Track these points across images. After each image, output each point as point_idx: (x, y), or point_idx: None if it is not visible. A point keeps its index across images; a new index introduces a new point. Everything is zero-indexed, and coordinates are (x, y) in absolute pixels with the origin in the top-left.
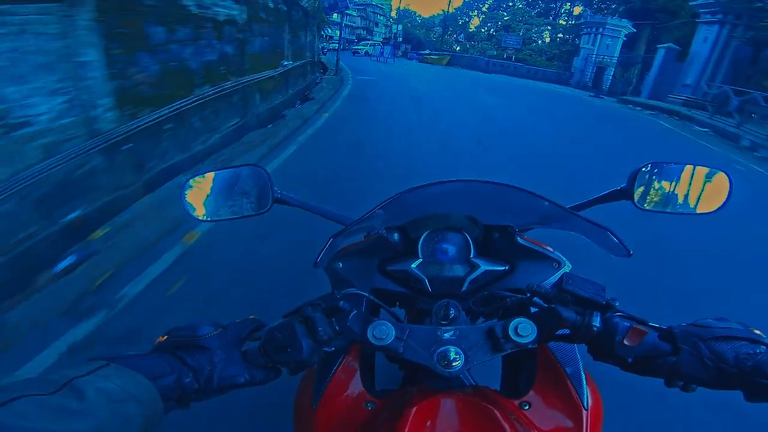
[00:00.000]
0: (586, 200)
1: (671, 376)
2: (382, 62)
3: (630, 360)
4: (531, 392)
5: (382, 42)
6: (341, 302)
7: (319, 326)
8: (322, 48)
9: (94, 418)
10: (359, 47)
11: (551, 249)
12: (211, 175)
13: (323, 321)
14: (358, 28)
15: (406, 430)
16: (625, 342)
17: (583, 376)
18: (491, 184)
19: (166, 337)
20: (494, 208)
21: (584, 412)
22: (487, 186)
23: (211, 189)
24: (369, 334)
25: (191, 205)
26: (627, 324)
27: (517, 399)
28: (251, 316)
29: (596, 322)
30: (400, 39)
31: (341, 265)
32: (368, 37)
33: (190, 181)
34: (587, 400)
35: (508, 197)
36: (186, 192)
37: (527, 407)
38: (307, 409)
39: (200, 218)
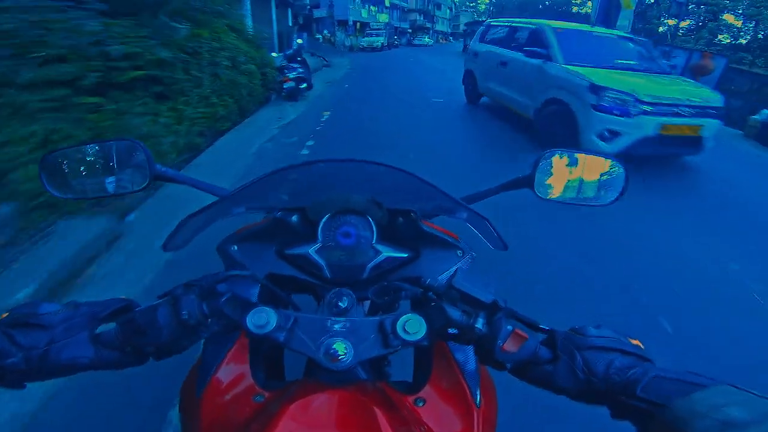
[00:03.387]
0: (488, 188)
1: (547, 386)
2: None
3: (509, 366)
4: (426, 388)
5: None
6: (219, 285)
7: (184, 309)
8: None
9: None
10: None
11: (457, 238)
12: (78, 148)
13: (192, 303)
14: (411, 10)
15: (278, 426)
16: (506, 347)
17: (479, 376)
18: (381, 167)
19: (6, 314)
20: (396, 192)
21: (476, 410)
22: (380, 169)
23: (79, 164)
24: (247, 321)
25: (52, 180)
26: (509, 328)
27: (414, 395)
28: (122, 297)
29: (479, 324)
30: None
31: (236, 248)
32: (427, 24)
33: (51, 154)
34: (480, 399)
35: (405, 182)
36: (46, 166)
37: (422, 404)
38: (191, 398)
39: (61, 195)
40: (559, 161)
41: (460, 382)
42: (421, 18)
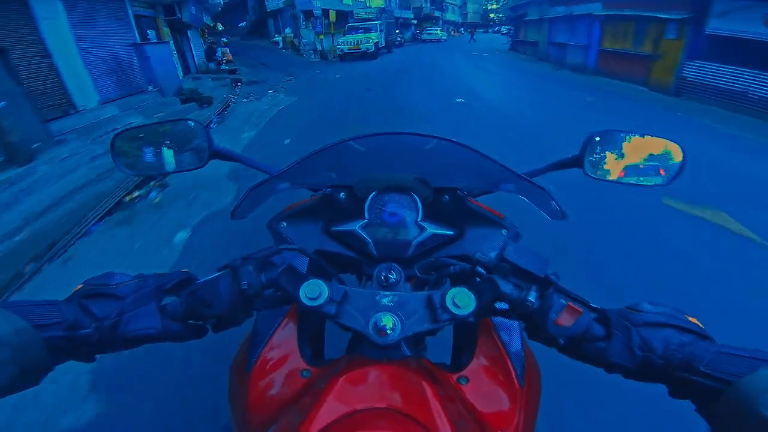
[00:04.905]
0: (537, 168)
1: (600, 363)
2: None
3: (562, 341)
4: (470, 367)
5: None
6: (278, 256)
7: (244, 279)
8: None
9: None
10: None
11: (502, 215)
12: (144, 127)
13: (250, 274)
14: None
15: (328, 400)
16: (559, 321)
17: (524, 356)
18: (440, 140)
19: (81, 285)
20: (443, 167)
21: (520, 391)
22: (429, 142)
23: (145, 141)
24: (301, 293)
25: (122, 157)
26: (563, 302)
27: (457, 373)
28: (183, 270)
29: (532, 297)
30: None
31: (285, 224)
32: (436, 13)
33: (121, 133)
34: (525, 379)
35: (453, 157)
36: (116, 143)
37: (465, 382)
38: (241, 372)
39: (130, 171)
40: (609, 141)
41: (504, 362)
42: (428, 4)
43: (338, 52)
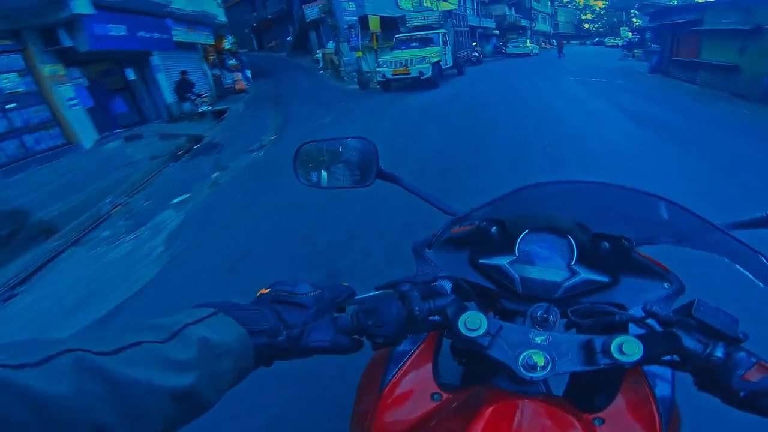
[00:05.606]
0: (728, 222)
1: None
2: None
3: (742, 394)
4: (610, 409)
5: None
6: (437, 284)
7: (416, 305)
8: None
9: (194, 373)
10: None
11: (668, 269)
12: (321, 142)
13: (419, 300)
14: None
15: (479, 427)
16: (746, 376)
17: (671, 406)
18: (619, 189)
19: (268, 289)
20: (611, 215)
21: None
22: (611, 189)
23: (321, 156)
24: (461, 323)
25: (301, 169)
26: (753, 360)
27: (591, 414)
28: (345, 284)
29: (719, 353)
30: None
31: (431, 251)
32: (523, 22)
33: (303, 146)
34: (666, 427)
35: (634, 204)
36: (298, 157)
37: (600, 423)
38: (373, 391)
39: (306, 183)
40: None
41: (650, 408)
42: (512, 12)
43: (379, 78)
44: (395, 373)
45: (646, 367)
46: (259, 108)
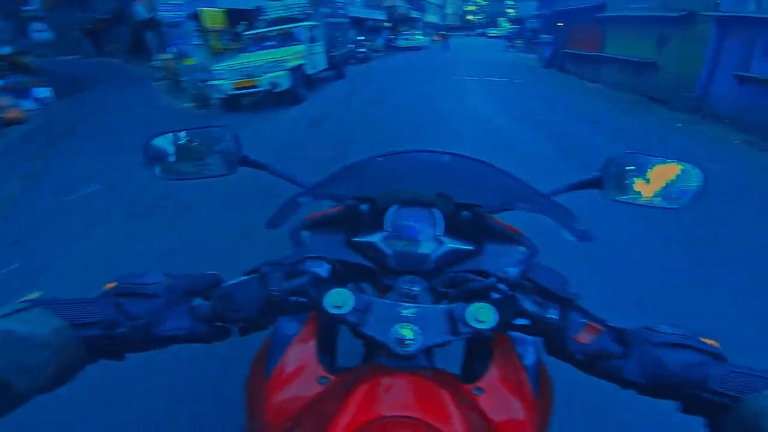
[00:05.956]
0: (558, 187)
1: (616, 380)
2: None
3: (580, 357)
4: (485, 378)
5: None
6: (301, 264)
7: (274, 284)
8: None
9: None
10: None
11: (521, 232)
12: (176, 132)
13: (279, 280)
14: None
15: (353, 406)
16: (579, 338)
17: (538, 370)
18: (462, 158)
19: (115, 283)
20: (464, 184)
21: (535, 402)
22: (459, 160)
23: (177, 147)
24: (326, 302)
25: (155, 161)
26: (583, 321)
27: (471, 384)
28: (212, 272)
29: (554, 315)
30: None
31: (306, 233)
32: (413, 13)
33: (155, 138)
34: (539, 392)
35: (475, 174)
36: (150, 148)
37: (480, 392)
38: (260, 378)
39: (163, 176)
40: (630, 163)
41: (520, 374)
42: (403, 3)
43: (217, 94)
44: (279, 359)
45: (512, 333)
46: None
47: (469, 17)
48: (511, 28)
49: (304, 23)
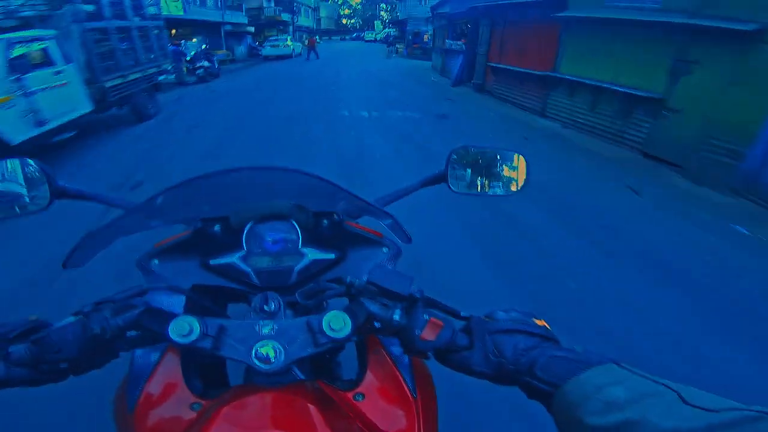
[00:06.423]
0: (405, 186)
1: (466, 371)
2: None
3: (430, 354)
4: (364, 383)
5: None
6: (135, 299)
7: (95, 324)
8: None
9: None
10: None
11: (381, 235)
12: None
13: (103, 318)
14: None
15: (213, 429)
16: (423, 336)
17: (412, 368)
18: (298, 174)
19: None
20: (317, 195)
21: (414, 401)
22: (297, 176)
23: None
24: (171, 331)
25: None
26: (426, 317)
27: (352, 391)
28: (32, 317)
29: (397, 315)
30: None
31: (156, 261)
32: (284, 17)
33: None
34: (417, 391)
35: (321, 187)
36: None
37: (361, 398)
38: (123, 413)
39: None
40: (468, 156)
41: (395, 375)
42: (271, 4)
43: None
44: (141, 390)
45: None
46: None
47: (344, 20)
48: (392, 32)
49: (20, 35)
